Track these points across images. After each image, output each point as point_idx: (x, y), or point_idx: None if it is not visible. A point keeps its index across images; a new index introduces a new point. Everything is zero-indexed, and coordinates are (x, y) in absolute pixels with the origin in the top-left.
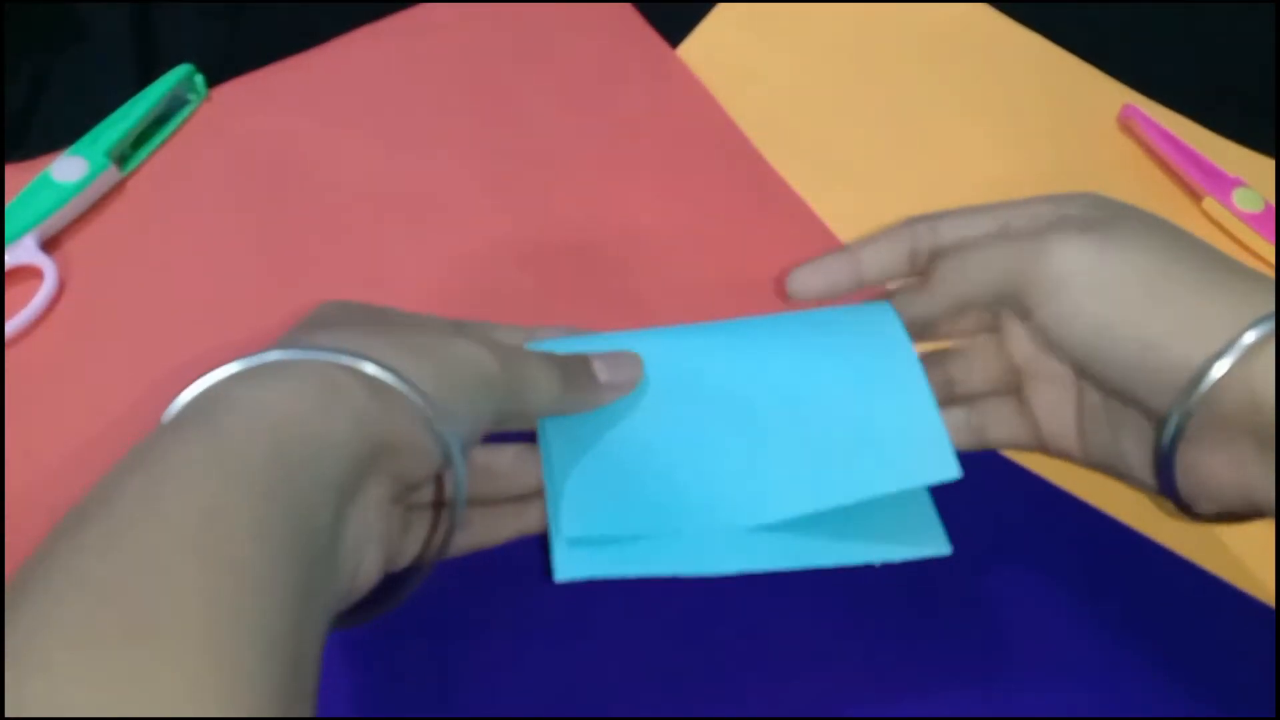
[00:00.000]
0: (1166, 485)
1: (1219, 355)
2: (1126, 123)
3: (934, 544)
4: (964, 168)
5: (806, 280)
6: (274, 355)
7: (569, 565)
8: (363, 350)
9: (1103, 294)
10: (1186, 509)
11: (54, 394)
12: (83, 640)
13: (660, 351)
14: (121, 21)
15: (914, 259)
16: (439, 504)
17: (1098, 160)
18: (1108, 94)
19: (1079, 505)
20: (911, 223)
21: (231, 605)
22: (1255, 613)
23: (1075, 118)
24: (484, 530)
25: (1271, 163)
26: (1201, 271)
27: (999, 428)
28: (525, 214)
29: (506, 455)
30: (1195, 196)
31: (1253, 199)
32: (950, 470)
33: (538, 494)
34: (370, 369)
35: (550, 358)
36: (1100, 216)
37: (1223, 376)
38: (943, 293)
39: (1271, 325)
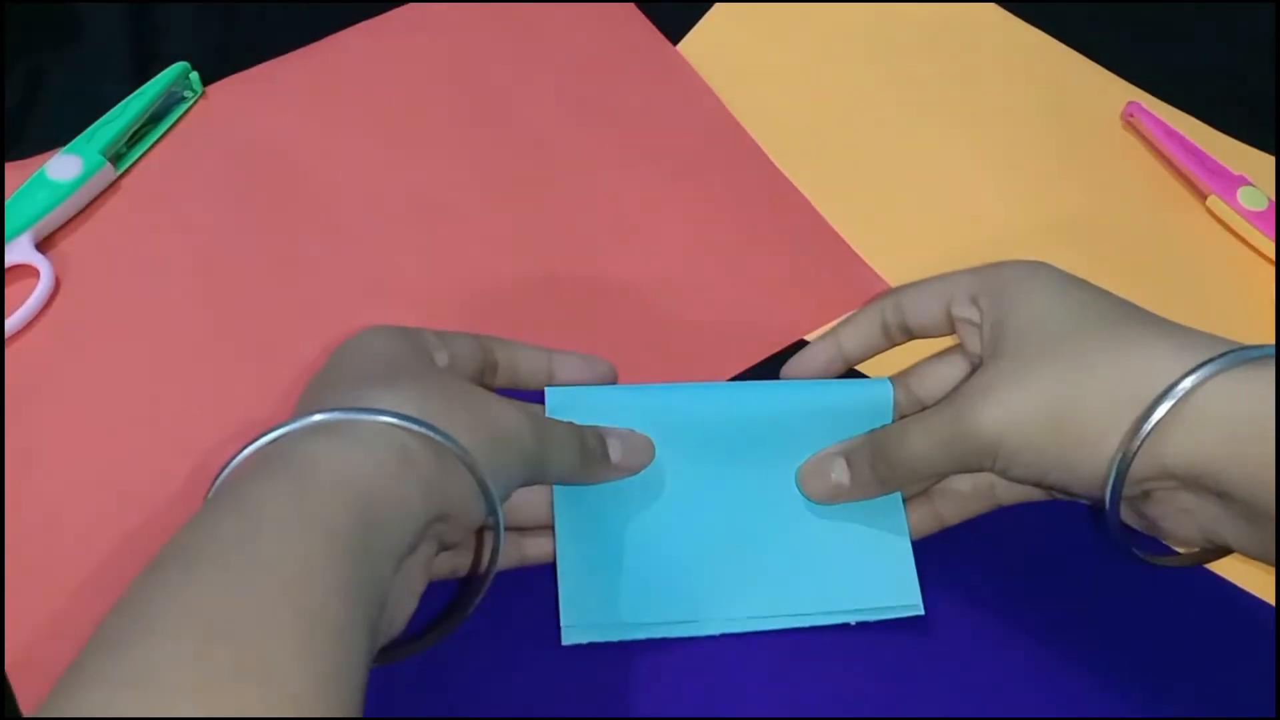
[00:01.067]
0: (1128, 548)
1: (1122, 454)
2: (1130, 120)
3: (909, 606)
4: (967, 166)
5: (799, 372)
6: (347, 416)
7: (576, 633)
8: (426, 416)
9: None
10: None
11: (50, 392)
12: (199, 673)
13: (669, 415)
14: (117, 20)
15: (887, 333)
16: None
17: (1102, 158)
18: (1112, 91)
19: (1077, 504)
20: (879, 300)
21: (317, 653)
22: (1255, 612)
23: (1079, 115)
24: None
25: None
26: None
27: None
28: (525, 211)
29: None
30: (1199, 194)
31: (1257, 197)
32: (916, 608)
33: (543, 528)
34: (437, 438)
35: (572, 431)
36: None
37: (1134, 464)
38: (895, 480)
39: (1168, 403)
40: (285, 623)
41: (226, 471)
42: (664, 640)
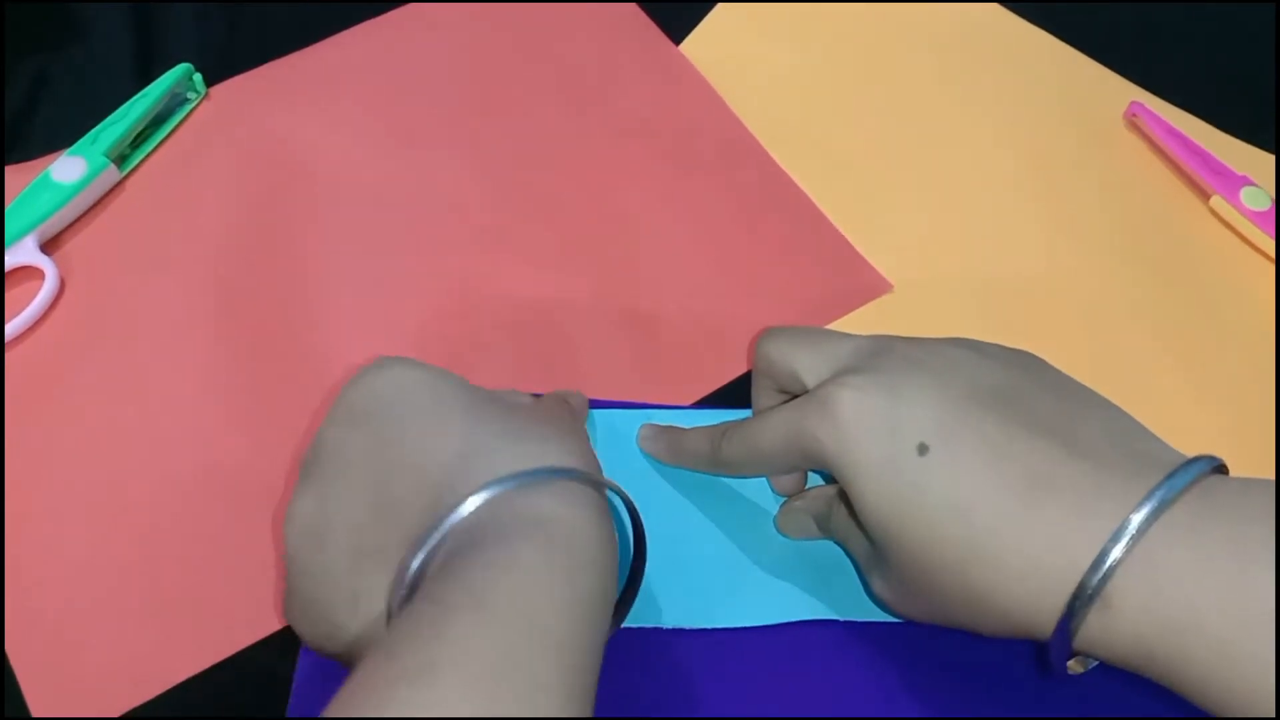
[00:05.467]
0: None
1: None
2: (1133, 120)
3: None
4: (969, 165)
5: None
6: (547, 474)
7: None
8: (588, 468)
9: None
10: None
11: (54, 394)
12: (487, 710)
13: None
14: (120, 21)
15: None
16: None
17: (1104, 157)
18: (1114, 91)
19: None
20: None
21: (574, 693)
22: None
23: (1082, 115)
24: None
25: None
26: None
27: None
28: (527, 210)
29: None
30: (1202, 194)
31: (1260, 197)
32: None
33: None
34: (607, 493)
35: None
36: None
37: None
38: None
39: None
40: (551, 666)
41: (457, 519)
42: (654, 630)
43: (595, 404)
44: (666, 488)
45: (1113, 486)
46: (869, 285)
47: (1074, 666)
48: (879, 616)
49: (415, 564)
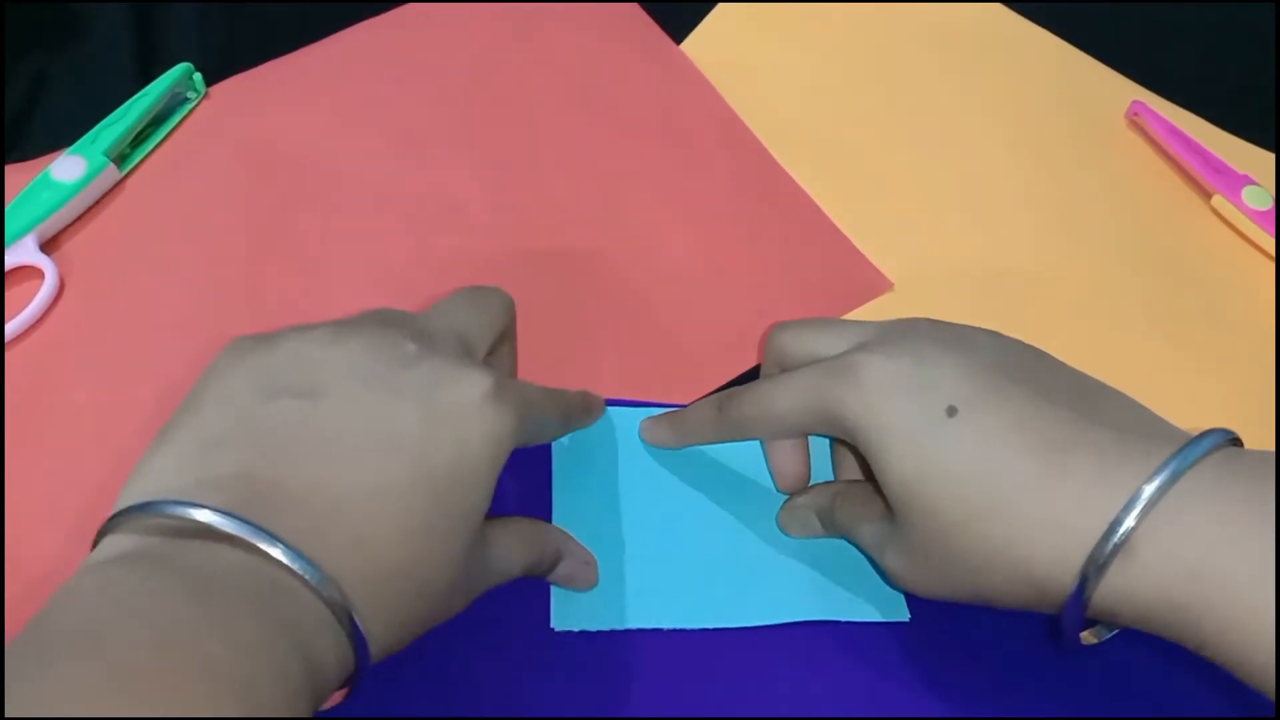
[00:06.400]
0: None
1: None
2: (1135, 119)
3: (895, 611)
4: (971, 164)
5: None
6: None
7: (566, 617)
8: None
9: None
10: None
11: (54, 394)
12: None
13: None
14: (120, 20)
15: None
16: None
17: (1106, 157)
18: (1116, 90)
19: None
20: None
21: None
22: None
23: (1084, 114)
24: None
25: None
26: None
27: None
28: (528, 210)
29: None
30: (1204, 193)
31: (1262, 196)
32: (901, 614)
33: None
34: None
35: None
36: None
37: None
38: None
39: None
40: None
41: None
42: (655, 632)
43: None
44: (667, 488)
45: (1135, 453)
46: (869, 283)
47: (1088, 637)
48: (879, 617)
49: None
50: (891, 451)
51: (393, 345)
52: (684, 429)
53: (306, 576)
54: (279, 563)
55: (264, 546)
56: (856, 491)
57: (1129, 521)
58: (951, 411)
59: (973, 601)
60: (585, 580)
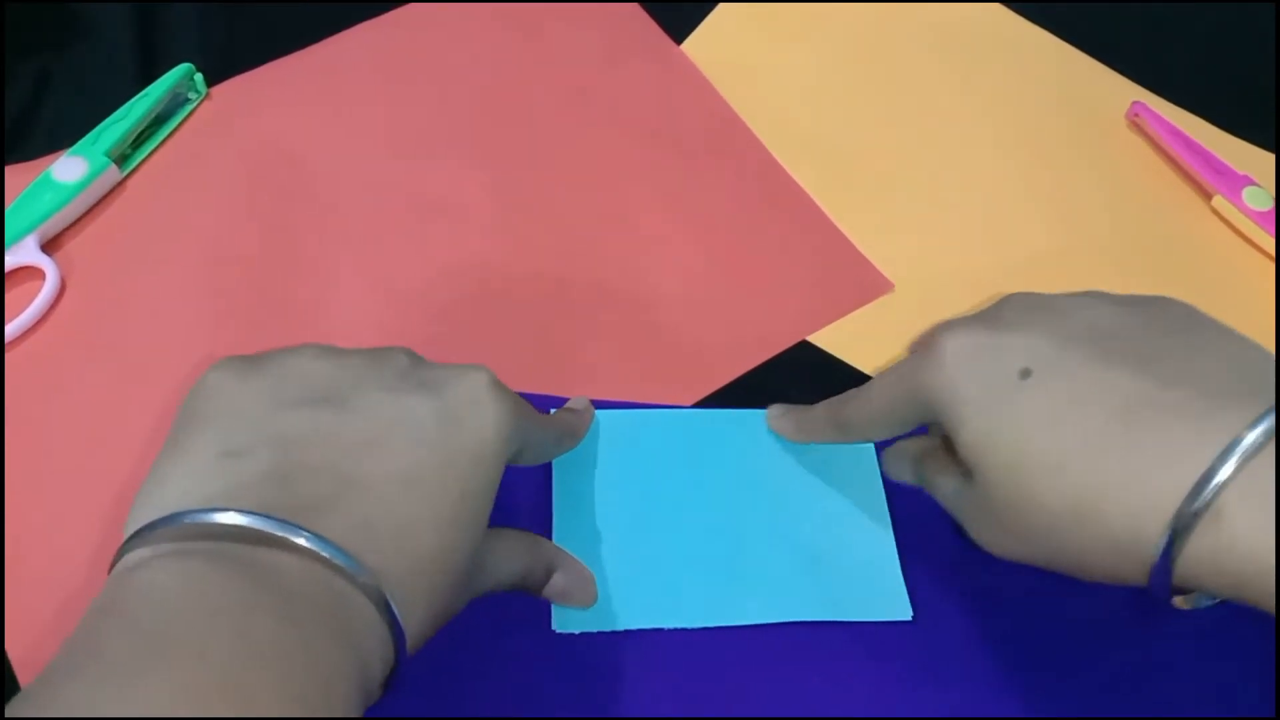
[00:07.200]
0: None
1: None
2: (1135, 120)
3: (898, 610)
4: (971, 165)
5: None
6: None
7: (567, 619)
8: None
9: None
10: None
11: (55, 394)
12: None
13: (669, 434)
14: (122, 21)
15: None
16: None
17: (1106, 157)
18: (1116, 91)
19: None
20: (823, 414)
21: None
22: (1254, 612)
23: (1084, 114)
24: None
25: None
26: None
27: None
28: (528, 210)
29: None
30: (1204, 194)
31: (1262, 197)
32: (904, 613)
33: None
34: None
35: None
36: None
37: (1188, 549)
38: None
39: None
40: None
41: None
42: (655, 632)
43: (596, 404)
44: (667, 488)
45: (1223, 411)
46: (870, 284)
47: (1180, 603)
48: (881, 616)
49: None
50: (968, 415)
51: (389, 358)
52: (804, 425)
53: (354, 574)
54: (328, 562)
55: (313, 547)
56: (943, 446)
57: (1223, 473)
58: (1025, 374)
59: (1055, 567)
60: (583, 597)
